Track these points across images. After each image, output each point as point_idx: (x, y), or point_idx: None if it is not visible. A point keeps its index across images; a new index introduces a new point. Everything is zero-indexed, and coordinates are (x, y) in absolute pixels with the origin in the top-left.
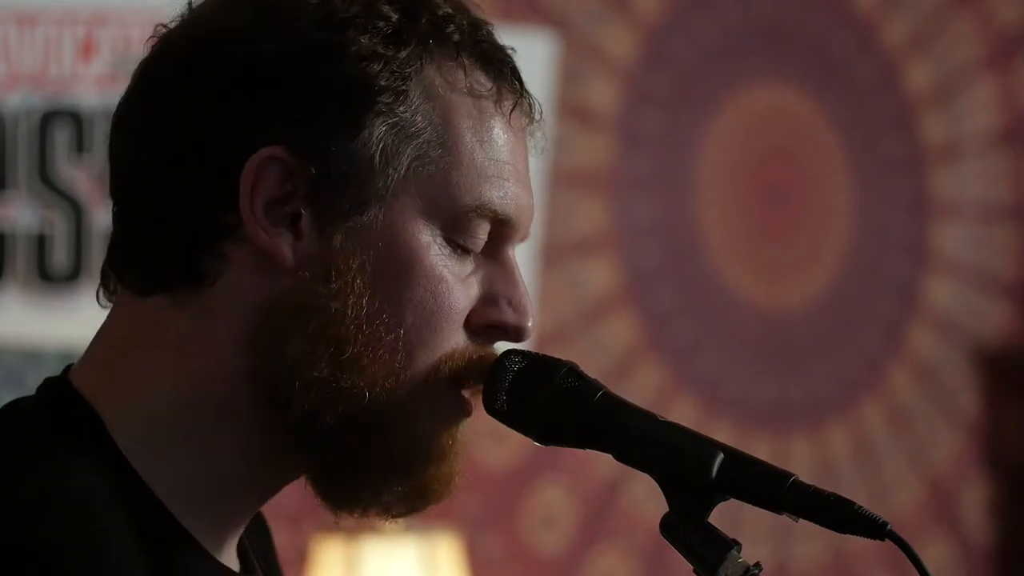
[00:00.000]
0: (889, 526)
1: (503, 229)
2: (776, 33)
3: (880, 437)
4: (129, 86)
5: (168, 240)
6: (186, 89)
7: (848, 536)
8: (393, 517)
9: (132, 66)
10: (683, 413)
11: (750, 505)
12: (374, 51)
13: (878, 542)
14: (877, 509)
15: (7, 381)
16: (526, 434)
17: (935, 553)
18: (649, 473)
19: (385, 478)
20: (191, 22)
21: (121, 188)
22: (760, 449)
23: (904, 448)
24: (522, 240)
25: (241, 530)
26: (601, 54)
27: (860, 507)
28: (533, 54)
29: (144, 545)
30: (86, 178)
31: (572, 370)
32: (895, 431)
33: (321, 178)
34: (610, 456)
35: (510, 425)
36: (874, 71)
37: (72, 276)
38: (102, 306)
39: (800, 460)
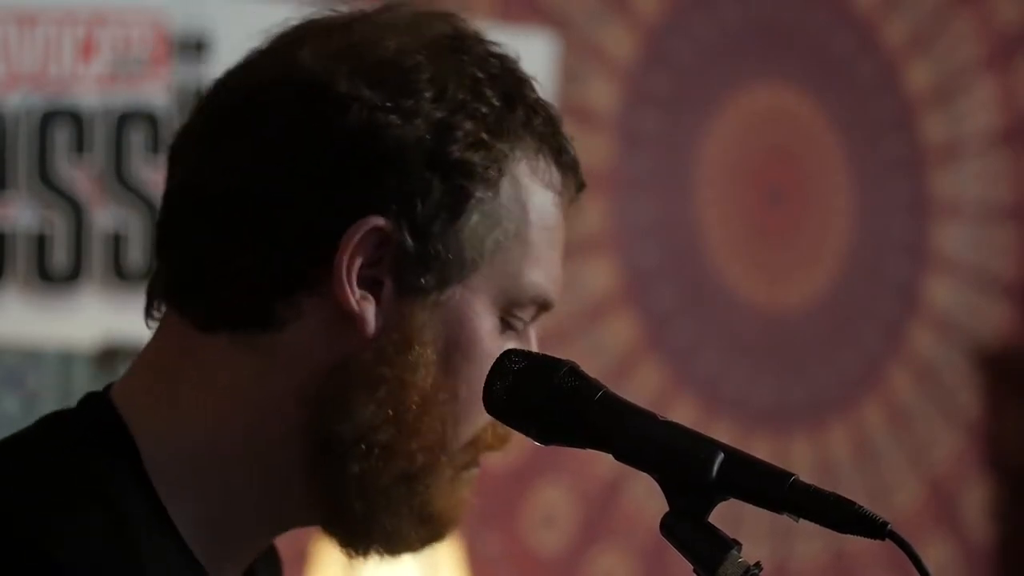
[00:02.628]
0: (889, 526)
1: (543, 310)
2: (776, 33)
3: (880, 437)
4: (212, 103)
5: (246, 282)
6: (298, 138)
7: (848, 536)
8: (402, 555)
9: (133, 66)
10: (683, 413)
11: (750, 505)
12: (479, 139)
13: (878, 542)
14: (877, 509)
15: (7, 381)
16: (526, 433)
17: (935, 553)
18: (649, 473)
19: (413, 527)
20: (297, 62)
21: (196, 214)
22: (760, 449)
23: (904, 448)
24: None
25: (247, 564)
26: (601, 54)
27: (860, 507)
28: (533, 54)
29: (153, 561)
30: (86, 178)
31: (572, 370)
32: (895, 431)
33: (413, 254)
34: (610, 456)
35: (510, 424)
36: (874, 71)
37: (72, 276)
38: (148, 327)
39: (800, 460)
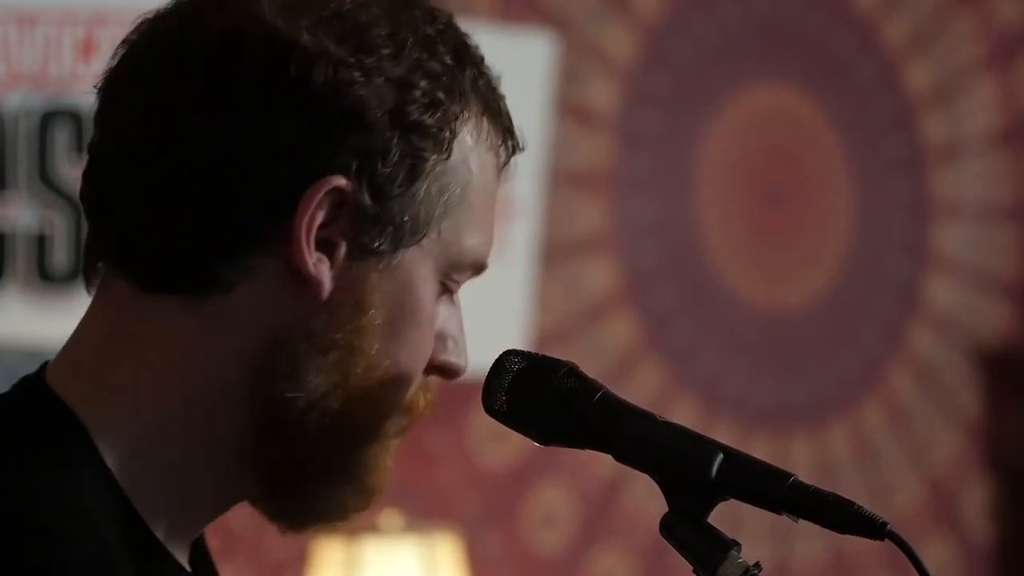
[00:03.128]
0: (889, 526)
1: (476, 274)
2: (776, 33)
3: (880, 437)
4: (147, 43)
5: (193, 241)
6: (268, 93)
7: (848, 536)
8: (333, 524)
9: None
10: (683, 413)
11: (750, 505)
12: (435, 98)
13: (878, 542)
14: (877, 509)
15: (7, 381)
16: (525, 434)
17: (935, 553)
18: (649, 473)
19: (349, 494)
20: (265, 14)
21: (138, 168)
22: (760, 449)
23: (904, 448)
24: None
25: (194, 537)
26: (601, 54)
27: (860, 507)
28: (533, 54)
29: (127, 560)
30: None
31: (572, 370)
32: (895, 431)
33: (369, 215)
34: (610, 456)
35: (509, 425)
36: (874, 71)
37: (72, 276)
38: (89, 294)
39: (800, 460)
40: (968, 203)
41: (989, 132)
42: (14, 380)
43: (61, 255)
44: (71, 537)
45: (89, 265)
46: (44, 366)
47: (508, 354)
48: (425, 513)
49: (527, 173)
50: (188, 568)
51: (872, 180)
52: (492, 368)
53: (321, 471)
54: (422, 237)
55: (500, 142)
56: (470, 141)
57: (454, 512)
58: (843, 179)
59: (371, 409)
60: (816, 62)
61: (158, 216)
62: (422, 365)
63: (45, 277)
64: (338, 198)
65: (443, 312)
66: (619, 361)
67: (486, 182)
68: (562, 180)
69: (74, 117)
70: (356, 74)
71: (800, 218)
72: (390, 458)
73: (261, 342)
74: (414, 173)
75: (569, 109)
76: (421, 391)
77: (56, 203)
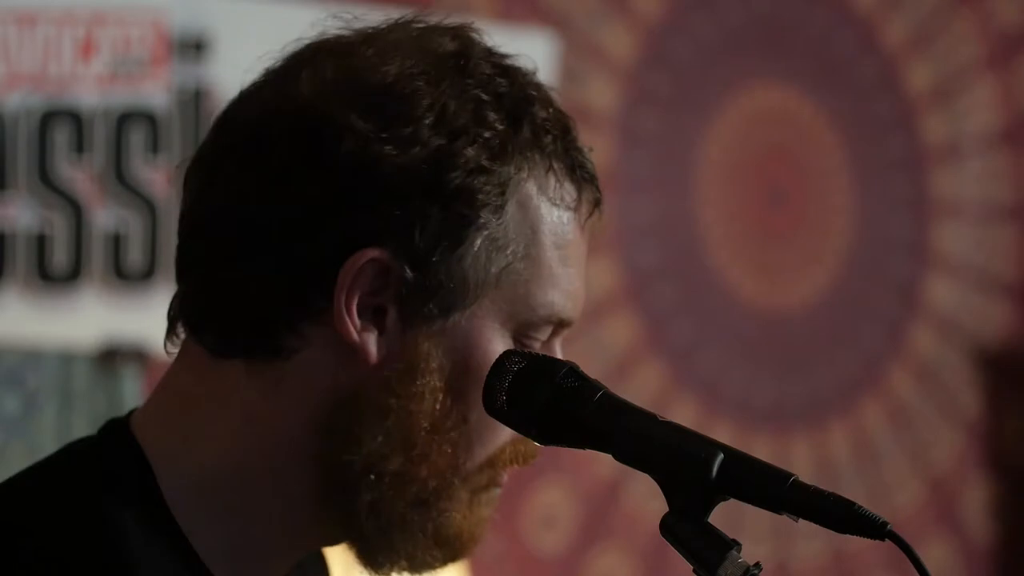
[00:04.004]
0: (889, 526)
1: (560, 327)
2: (776, 33)
3: (880, 437)
4: (220, 133)
5: (252, 310)
6: (298, 170)
7: (848, 536)
8: (423, 572)
9: (133, 67)
10: (683, 413)
11: (750, 505)
12: (480, 164)
13: (878, 542)
14: (877, 509)
15: (7, 381)
16: (526, 434)
17: (935, 553)
18: (649, 473)
19: (430, 549)
20: (296, 92)
21: (205, 241)
22: (760, 449)
23: (904, 448)
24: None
25: None
26: (601, 54)
27: (860, 507)
28: (533, 54)
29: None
30: (86, 178)
31: (572, 370)
32: (895, 431)
33: (415, 282)
34: (610, 456)
35: (510, 425)
36: (874, 71)
37: (72, 276)
38: (168, 353)
39: (800, 460)
40: (968, 203)
41: (989, 132)
42: (14, 380)
43: (61, 255)
44: (96, 550)
45: (171, 325)
46: (133, 411)
47: (508, 354)
48: None
49: None
50: None
51: (872, 180)
52: (492, 368)
53: (398, 529)
54: (478, 299)
55: (575, 195)
56: (533, 200)
57: None
58: (843, 179)
59: (438, 468)
60: (816, 62)
61: (221, 286)
62: (500, 425)
63: (45, 277)
64: (381, 268)
65: None
66: (619, 361)
67: (557, 238)
68: None
69: (74, 117)
70: (388, 148)
71: (800, 218)
72: (482, 511)
73: (323, 406)
74: (458, 239)
75: (569, 109)
76: (514, 444)
77: (56, 203)
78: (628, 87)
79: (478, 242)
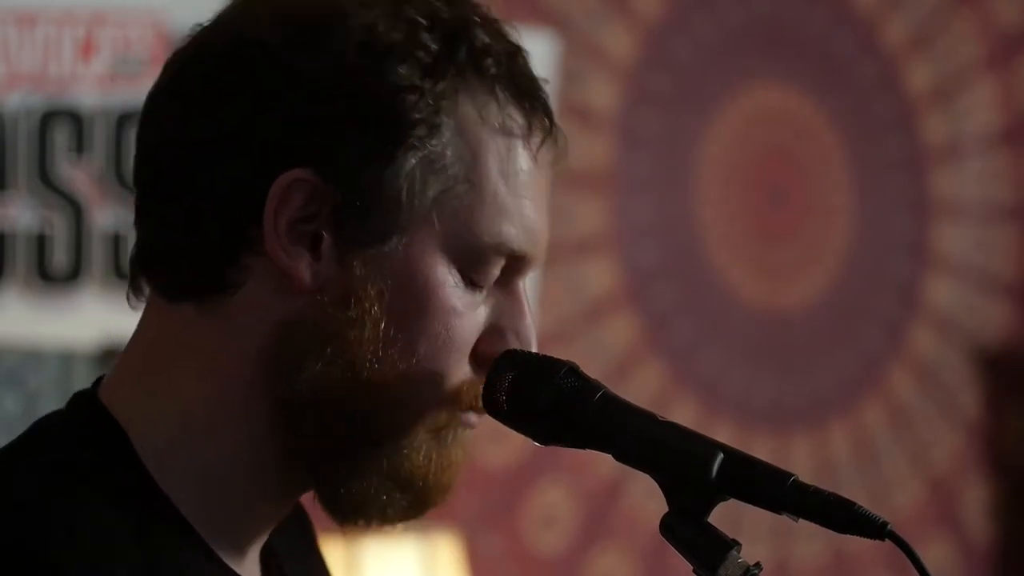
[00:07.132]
0: (889, 526)
1: (517, 263)
2: (776, 33)
3: (880, 437)
4: (161, 78)
5: (192, 247)
6: (220, 97)
7: (848, 536)
8: (394, 525)
9: (133, 67)
10: (683, 413)
11: (750, 505)
12: (412, 83)
13: (878, 542)
14: (877, 509)
15: (7, 381)
16: (526, 434)
17: (935, 553)
18: (649, 473)
19: (390, 492)
20: (230, 24)
21: (147, 183)
22: (760, 449)
23: (904, 448)
24: (535, 269)
25: (263, 539)
26: (601, 54)
27: (860, 507)
28: (533, 54)
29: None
30: (86, 178)
31: (572, 370)
32: (895, 431)
33: (346, 204)
34: (610, 456)
35: (510, 425)
36: (874, 71)
37: (72, 276)
38: (132, 308)
39: (800, 460)
40: (968, 203)
41: (989, 132)
42: (14, 380)
43: (61, 255)
44: (93, 548)
45: (133, 278)
46: (100, 379)
47: (508, 354)
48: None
49: None
50: (258, 567)
51: (872, 180)
52: (492, 368)
53: (351, 465)
54: (416, 223)
55: (524, 123)
56: (472, 124)
57: (454, 512)
58: (843, 179)
59: (392, 402)
60: (816, 62)
61: (166, 226)
62: (452, 357)
63: (45, 277)
64: (308, 191)
65: (493, 302)
66: (619, 361)
67: (504, 165)
68: (562, 180)
69: (74, 117)
70: (313, 66)
71: (800, 218)
72: (448, 453)
73: (269, 337)
74: (388, 157)
75: (569, 109)
76: (471, 385)
77: (56, 203)
78: (628, 87)
79: (411, 162)
